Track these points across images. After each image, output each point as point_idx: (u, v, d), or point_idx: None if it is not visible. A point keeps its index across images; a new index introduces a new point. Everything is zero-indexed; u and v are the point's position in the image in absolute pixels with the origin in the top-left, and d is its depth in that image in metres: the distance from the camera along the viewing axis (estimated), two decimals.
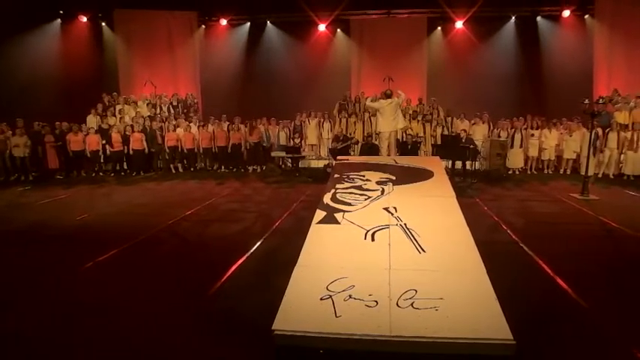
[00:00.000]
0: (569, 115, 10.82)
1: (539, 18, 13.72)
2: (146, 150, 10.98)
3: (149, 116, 12.09)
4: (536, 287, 3.92)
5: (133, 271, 4.46)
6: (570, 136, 10.44)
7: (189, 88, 14.37)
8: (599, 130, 9.76)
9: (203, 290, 3.86)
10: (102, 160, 11.13)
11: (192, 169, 11.52)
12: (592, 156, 8.29)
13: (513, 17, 13.78)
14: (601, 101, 9.47)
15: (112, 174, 10.93)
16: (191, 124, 11.76)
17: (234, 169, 11.47)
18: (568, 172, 10.64)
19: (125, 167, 11.24)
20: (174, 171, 11.35)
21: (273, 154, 11.34)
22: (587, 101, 8.12)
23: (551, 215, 6.65)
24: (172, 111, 13.01)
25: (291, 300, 3.00)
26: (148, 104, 12.92)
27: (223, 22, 14.61)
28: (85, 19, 13.87)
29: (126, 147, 10.85)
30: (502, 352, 2.55)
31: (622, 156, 9.98)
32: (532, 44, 13.72)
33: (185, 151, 11.39)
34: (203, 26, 14.77)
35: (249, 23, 14.83)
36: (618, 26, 12.55)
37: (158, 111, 12.79)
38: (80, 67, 13.27)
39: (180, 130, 11.49)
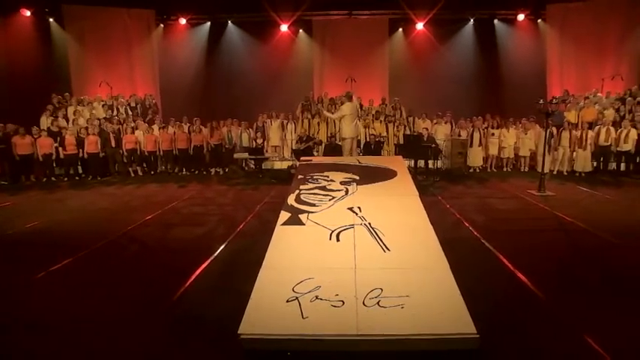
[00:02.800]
0: (525, 114, 11.33)
1: (496, 21, 14.28)
2: (100, 153, 10.53)
3: (105, 118, 11.62)
4: (498, 281, 4.07)
5: (91, 280, 4.26)
6: (525, 134, 10.94)
7: (148, 88, 13.90)
8: (554, 129, 10.30)
9: (166, 296, 3.75)
10: (54, 165, 10.56)
11: (152, 172, 11.17)
12: (547, 154, 8.72)
13: (472, 20, 14.27)
14: (554, 101, 9.97)
15: (66, 179, 10.38)
16: (153, 126, 11.41)
17: (196, 172, 11.22)
18: (525, 169, 11.13)
19: (80, 172, 10.73)
20: (133, 174, 10.96)
21: (235, 155, 11.19)
22: (541, 101, 8.55)
23: (511, 212, 6.93)
24: (130, 112, 12.55)
25: (257, 303, 2.98)
26: (103, 105, 12.40)
27: (182, 21, 14.26)
28: (28, 13, 12.87)
29: (80, 150, 10.36)
30: (466, 345, 2.65)
31: (574, 154, 10.55)
32: (490, 46, 14.27)
33: (146, 153, 11.03)
34: (161, 25, 14.35)
35: (209, 23, 14.56)
36: (568, 31, 13.30)
37: (115, 112, 12.31)
38: (25, 66, 12.43)
39: (139, 133, 11.11)
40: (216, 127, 11.34)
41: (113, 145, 10.71)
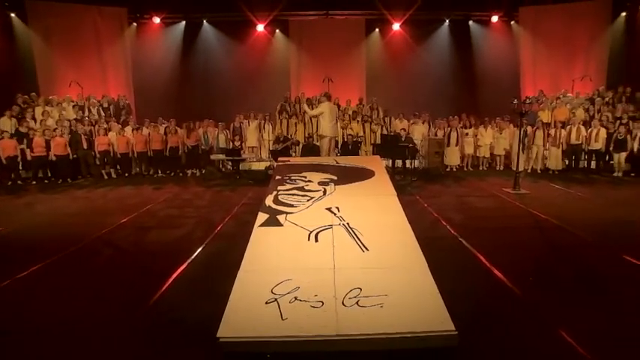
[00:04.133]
0: (500, 114, 11.61)
1: (470, 22, 14.56)
2: (70, 155, 10.20)
3: (75, 119, 11.27)
4: (475, 279, 4.14)
5: (62, 286, 4.11)
6: (500, 133, 11.21)
7: (121, 89, 13.55)
8: (528, 128, 10.59)
9: (143, 300, 3.66)
10: (20, 167, 10.14)
11: (126, 174, 10.91)
12: (522, 152, 8.96)
13: (447, 21, 14.51)
14: (528, 101, 10.27)
15: (34, 182, 10.01)
16: (126, 128, 11.12)
17: (172, 174, 11.03)
18: (501, 168, 11.39)
19: (49, 174, 10.36)
20: (106, 177, 10.68)
21: (212, 157, 11.06)
22: (515, 101, 8.78)
23: (487, 210, 7.07)
24: (103, 113, 12.22)
25: (236, 305, 2.95)
26: (74, 106, 12.01)
27: (156, 20, 13.99)
28: None
29: (49, 152, 10.00)
30: (445, 343, 2.68)
31: (547, 152, 10.87)
32: (465, 47, 14.55)
33: (118, 155, 10.77)
34: (134, 24, 14.03)
35: (184, 22, 14.34)
36: (540, 33, 13.70)
37: (86, 113, 11.95)
38: None
39: (112, 134, 10.84)
40: (192, 127, 11.18)
41: (85, 146, 10.41)
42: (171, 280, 4.12)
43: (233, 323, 2.77)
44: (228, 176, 10.61)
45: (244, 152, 11.65)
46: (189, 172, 11.15)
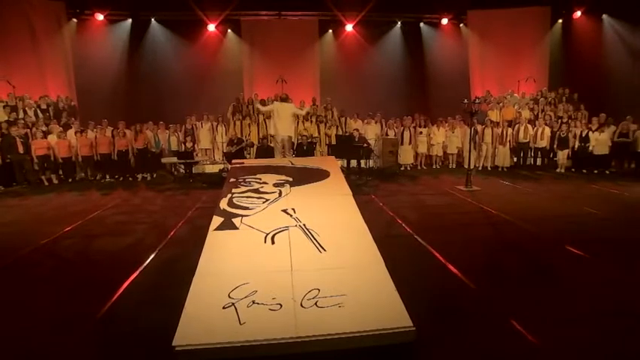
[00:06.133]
0: (451, 113, 12.05)
1: (422, 24, 15.06)
2: (6, 159, 9.47)
3: (7, 121, 10.31)
4: (431, 275, 4.27)
5: None
6: (453, 132, 11.64)
7: (62, 89, 12.73)
8: (479, 127, 11.06)
9: (90, 313, 3.47)
10: None
11: (70, 180, 10.29)
12: (473, 150, 9.36)
13: (399, 22, 14.91)
14: (477, 101, 10.73)
15: None
16: (68, 131, 10.46)
17: (121, 178, 10.54)
18: (453, 166, 11.82)
19: None
20: (47, 183, 10.02)
21: (163, 160, 10.69)
22: (466, 101, 9.16)
23: (441, 207, 7.29)
24: (41, 115, 11.39)
25: (192, 312, 2.87)
26: (5, 107, 11.01)
27: (99, 16, 13.30)
28: None
29: None
30: (404, 339, 2.75)
31: (496, 150, 11.43)
32: (417, 48, 15.02)
33: (60, 160, 10.14)
34: (74, 20, 13.21)
35: (130, 20, 13.76)
36: (487, 36, 14.40)
37: (21, 115, 11.07)
38: None
39: (52, 137, 10.18)
40: (139, 130, 10.74)
41: (21, 151, 9.66)
42: (121, 290, 3.93)
43: (189, 331, 2.69)
44: (180, 180, 10.30)
45: (197, 155, 11.37)
46: (139, 176, 10.70)
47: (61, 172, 10.33)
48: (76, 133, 10.54)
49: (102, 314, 3.49)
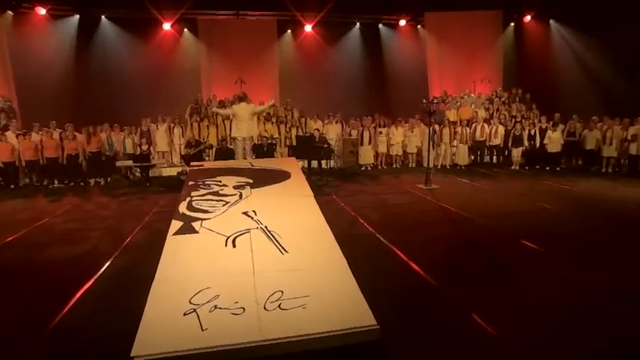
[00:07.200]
0: (410, 113, 12.32)
1: (380, 25, 15.31)
2: None
3: None
4: (394, 273, 4.36)
5: None
6: (412, 132, 11.93)
7: None
8: (437, 127, 11.40)
9: (40, 327, 3.29)
10: None
11: (12, 186, 9.64)
12: (432, 149, 9.62)
13: (358, 23, 15.08)
14: (435, 101, 11.05)
15: None
16: (6, 133, 9.82)
17: (71, 183, 10.01)
18: (413, 165, 12.07)
19: None
20: None
21: (118, 163, 10.26)
22: (424, 101, 9.39)
23: (402, 206, 7.45)
24: None
25: (151, 320, 2.79)
26: None
27: (41, 11, 12.46)
28: None
29: None
30: (368, 337, 2.79)
31: (454, 148, 11.82)
32: (375, 49, 15.25)
33: (1, 165, 9.50)
34: (9, 12, 12.16)
35: (78, 16, 13.10)
36: (444, 37, 14.82)
37: None
38: None
39: None
40: (93, 132, 10.26)
41: None
42: (74, 300, 3.76)
43: (148, 339, 2.61)
44: (136, 184, 9.94)
45: (154, 158, 11.01)
46: (91, 181, 10.20)
47: (0, 178, 9.66)
48: (17, 135, 9.90)
49: (53, 326, 3.32)
